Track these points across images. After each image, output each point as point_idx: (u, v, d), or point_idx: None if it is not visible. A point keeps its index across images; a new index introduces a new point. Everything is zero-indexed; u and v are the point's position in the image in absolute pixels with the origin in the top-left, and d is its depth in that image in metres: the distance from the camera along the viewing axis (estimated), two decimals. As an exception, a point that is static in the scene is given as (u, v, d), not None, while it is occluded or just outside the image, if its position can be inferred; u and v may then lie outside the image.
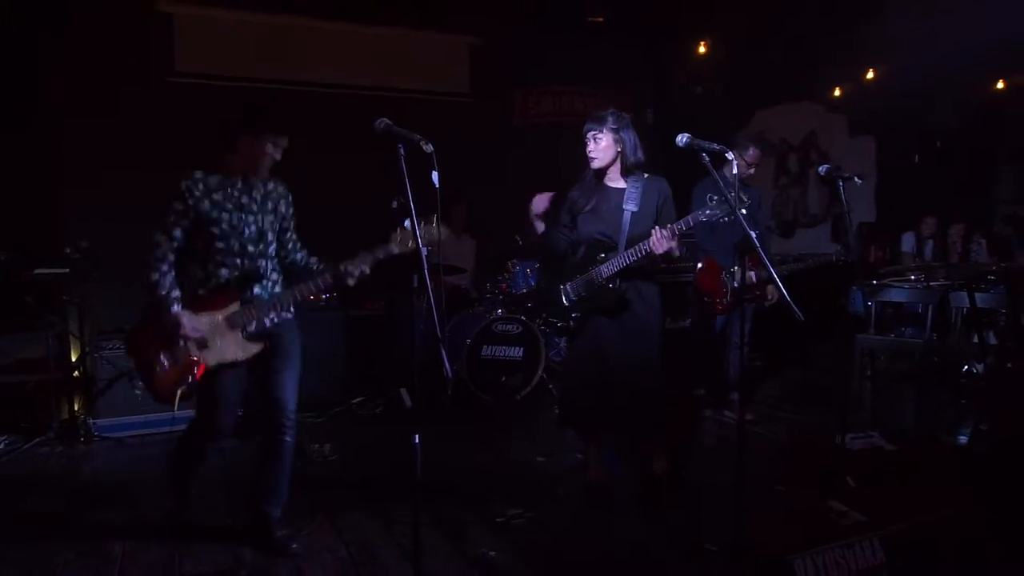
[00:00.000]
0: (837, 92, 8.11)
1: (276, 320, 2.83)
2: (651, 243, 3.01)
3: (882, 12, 6.45)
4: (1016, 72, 7.63)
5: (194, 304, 2.67)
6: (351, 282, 2.73)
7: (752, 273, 3.18)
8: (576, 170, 3.39)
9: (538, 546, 2.93)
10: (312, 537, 3.00)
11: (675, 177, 3.38)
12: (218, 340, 2.69)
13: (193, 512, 3.09)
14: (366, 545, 2.94)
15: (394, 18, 6.42)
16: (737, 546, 2.48)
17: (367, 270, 2.73)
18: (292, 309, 2.88)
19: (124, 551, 2.88)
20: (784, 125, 8.39)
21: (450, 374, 2.15)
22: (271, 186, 2.84)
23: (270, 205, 2.81)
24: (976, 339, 5.20)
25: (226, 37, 5.89)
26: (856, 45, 7.06)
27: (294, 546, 2.85)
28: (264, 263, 2.80)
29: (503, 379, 5.19)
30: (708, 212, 2.90)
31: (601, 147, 3.19)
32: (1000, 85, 7.85)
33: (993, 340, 5.34)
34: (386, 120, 2.23)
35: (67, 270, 4.48)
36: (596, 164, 3.24)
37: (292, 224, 2.94)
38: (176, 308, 2.61)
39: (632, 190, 3.21)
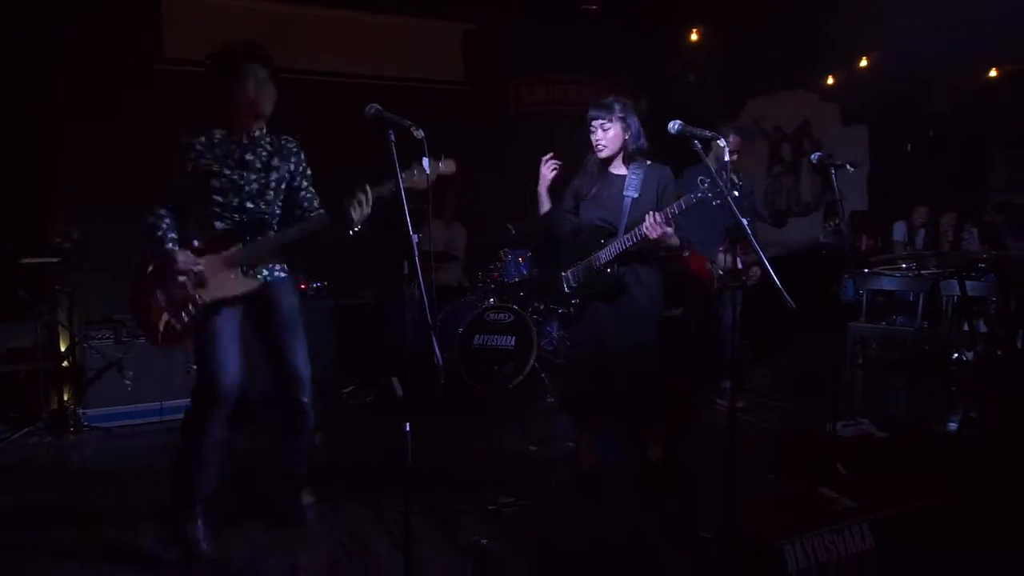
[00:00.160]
0: (830, 80, 8.12)
1: (275, 271, 2.80)
2: (645, 227, 3.01)
3: (875, 1, 6.43)
4: (1008, 60, 7.64)
5: (192, 252, 2.65)
6: (355, 215, 2.60)
7: (739, 258, 3.20)
8: (570, 159, 3.37)
9: (530, 534, 2.93)
10: (304, 527, 2.98)
11: (667, 164, 3.37)
12: (216, 278, 2.66)
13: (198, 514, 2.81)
14: (357, 534, 2.94)
15: (388, 6, 6.36)
16: (729, 533, 2.49)
17: (368, 208, 2.61)
18: (286, 268, 2.87)
19: (114, 541, 2.86)
20: (777, 114, 8.39)
21: (441, 362, 2.13)
22: (282, 142, 2.82)
23: (276, 161, 2.78)
24: (966, 327, 5.22)
25: (217, 23, 5.81)
26: (849, 34, 7.05)
27: (310, 515, 2.97)
28: (265, 219, 2.77)
29: (495, 368, 5.18)
30: (699, 195, 2.89)
31: (609, 136, 3.17)
32: (993, 73, 7.86)
33: (983, 328, 5.37)
34: (376, 106, 2.21)
35: (57, 259, 4.45)
36: (604, 154, 3.22)
37: (306, 181, 2.89)
38: (171, 245, 2.61)
39: (633, 177, 3.21)
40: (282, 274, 2.86)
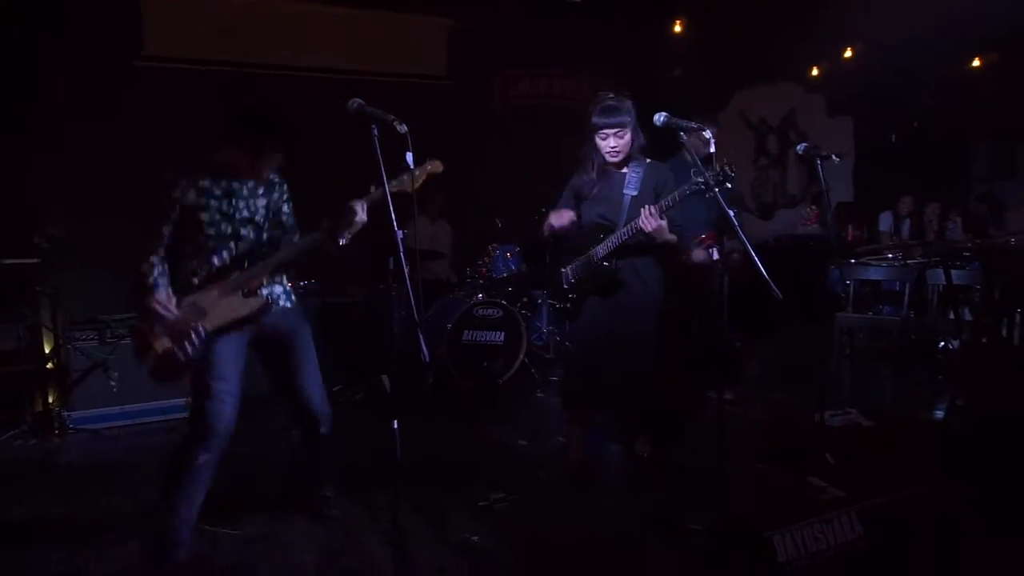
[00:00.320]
0: (815, 72, 8.14)
1: (279, 299, 2.76)
2: (640, 221, 3.01)
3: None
4: (990, 50, 7.69)
5: (191, 291, 2.58)
6: (346, 232, 2.57)
7: (713, 250, 3.20)
8: (553, 153, 3.37)
9: (521, 530, 2.93)
10: (293, 525, 2.97)
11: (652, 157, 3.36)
12: (217, 306, 2.59)
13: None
14: (349, 532, 2.92)
15: (371, 0, 6.32)
16: (719, 525, 2.49)
17: (363, 217, 2.56)
18: (293, 297, 2.83)
19: (101, 544, 2.83)
20: (763, 106, 8.40)
21: (427, 359, 2.12)
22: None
23: (261, 191, 2.73)
24: (952, 316, 5.26)
25: (196, 19, 5.76)
26: (833, 25, 7.07)
27: (334, 511, 3.01)
28: (258, 246, 2.71)
29: (484, 364, 5.17)
30: (692, 187, 2.89)
31: (624, 142, 3.16)
32: (976, 63, 7.91)
33: (969, 316, 5.41)
34: (359, 100, 2.19)
35: (37, 260, 4.39)
36: (618, 159, 3.20)
37: (289, 208, 2.85)
38: (162, 289, 2.53)
39: (633, 175, 3.22)
40: (288, 304, 2.80)
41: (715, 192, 2.60)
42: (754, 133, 8.48)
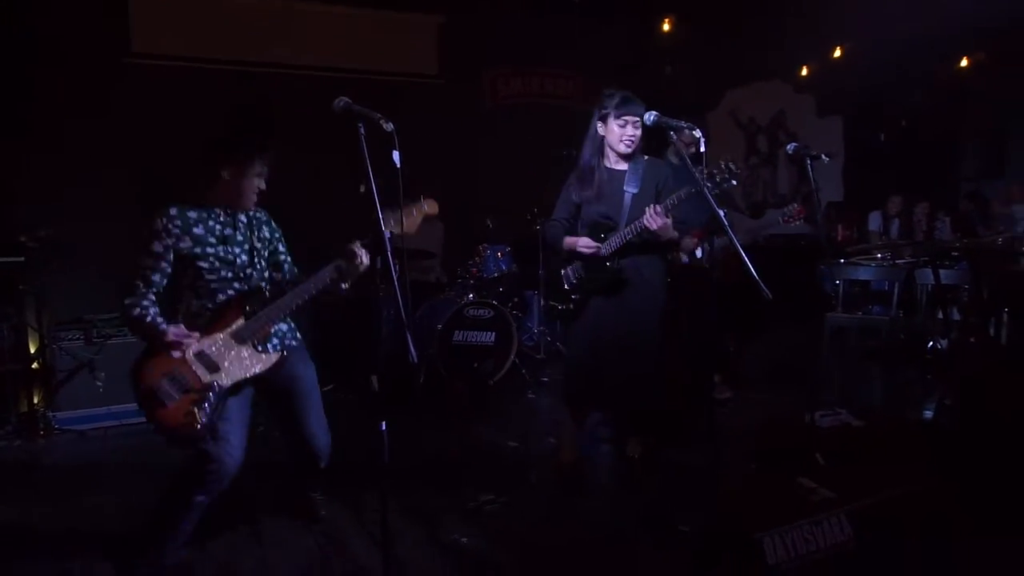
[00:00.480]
0: (805, 72, 8.17)
1: (287, 339, 2.71)
2: (645, 219, 3.00)
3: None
4: (978, 49, 7.73)
5: (195, 331, 2.45)
6: (350, 280, 2.55)
7: (699, 248, 3.21)
8: (544, 152, 3.35)
9: (511, 531, 2.92)
10: (281, 527, 2.95)
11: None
12: (229, 358, 2.48)
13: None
14: (336, 534, 2.91)
15: (360, -2, 6.30)
16: (708, 526, 2.49)
17: (367, 263, 2.51)
18: (299, 336, 2.79)
19: (86, 545, 2.80)
20: (753, 105, 8.43)
21: (415, 359, 2.10)
22: (251, 213, 2.68)
23: (254, 231, 2.66)
24: (941, 315, 5.29)
25: (185, 17, 5.71)
26: (823, 25, 7.10)
27: (322, 512, 3.01)
28: (261, 286, 2.64)
29: (475, 364, 5.15)
30: (705, 184, 2.88)
31: (639, 133, 3.13)
32: (963, 63, 7.95)
33: (957, 316, 5.44)
34: (345, 99, 2.16)
35: (22, 259, 4.34)
36: (631, 149, 3.17)
37: (283, 247, 2.80)
38: (164, 325, 2.39)
39: (633, 172, 3.21)
40: (294, 343, 2.76)
41: (707, 191, 2.59)
42: (744, 133, 8.51)
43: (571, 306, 3.31)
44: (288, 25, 6.04)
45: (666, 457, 3.62)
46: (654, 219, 2.97)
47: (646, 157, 3.25)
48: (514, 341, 5.24)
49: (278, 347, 2.64)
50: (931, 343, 5.56)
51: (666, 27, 7.28)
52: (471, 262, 5.59)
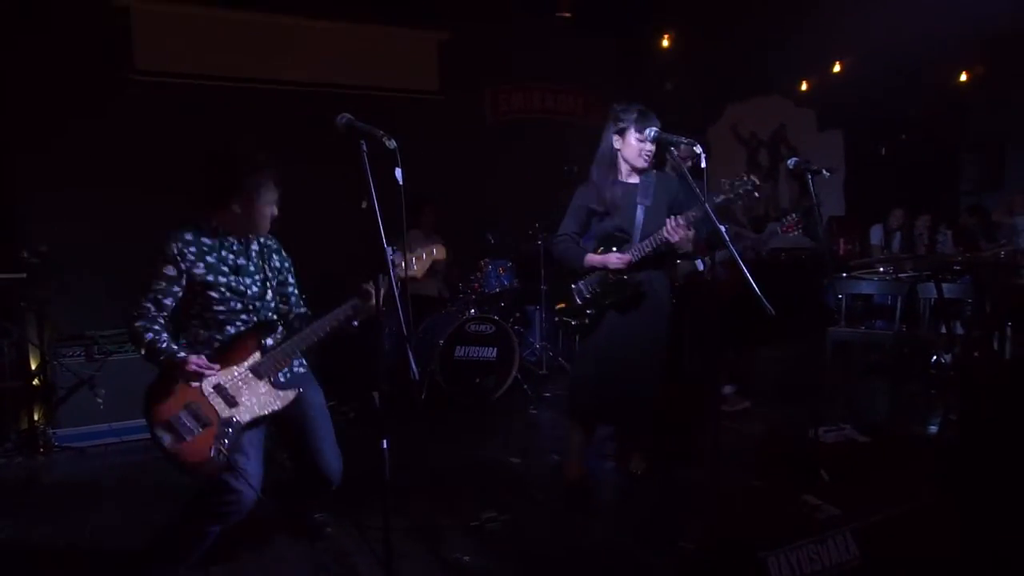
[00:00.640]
0: (805, 86, 8.20)
1: (295, 367, 2.67)
2: (665, 232, 3.00)
3: (847, 6, 6.51)
4: (977, 62, 7.76)
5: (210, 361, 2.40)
6: (363, 316, 2.57)
7: (699, 261, 3.22)
8: (545, 168, 3.36)
9: (513, 549, 2.89)
10: (284, 544, 2.92)
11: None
12: (246, 393, 2.45)
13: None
14: (338, 552, 2.88)
15: (361, 14, 6.32)
16: (711, 544, 2.46)
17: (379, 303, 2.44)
18: (304, 362, 2.75)
19: (87, 564, 2.78)
20: (754, 120, 8.46)
21: (416, 375, 2.09)
22: (263, 240, 2.66)
23: (266, 260, 2.64)
24: (944, 329, 5.27)
25: (187, 33, 5.74)
26: (823, 40, 7.13)
27: (328, 530, 3.00)
28: (272, 317, 2.62)
29: (477, 380, 5.14)
30: (721, 198, 2.89)
31: (654, 147, 3.15)
32: (963, 77, 7.97)
33: (960, 330, 5.42)
34: (348, 115, 2.17)
35: (24, 275, 4.34)
36: (648, 163, 3.19)
37: (292, 278, 2.76)
38: (182, 353, 2.35)
39: (645, 186, 3.22)
40: (302, 369, 2.73)
41: (706, 207, 2.59)
42: (745, 147, 8.53)
43: (587, 320, 3.29)
44: (290, 42, 6.07)
45: (670, 473, 3.60)
46: (675, 231, 2.97)
47: (655, 171, 3.27)
48: (516, 356, 5.22)
49: (292, 381, 2.62)
50: (935, 357, 5.53)
51: (666, 43, 7.32)
52: (473, 277, 5.59)
